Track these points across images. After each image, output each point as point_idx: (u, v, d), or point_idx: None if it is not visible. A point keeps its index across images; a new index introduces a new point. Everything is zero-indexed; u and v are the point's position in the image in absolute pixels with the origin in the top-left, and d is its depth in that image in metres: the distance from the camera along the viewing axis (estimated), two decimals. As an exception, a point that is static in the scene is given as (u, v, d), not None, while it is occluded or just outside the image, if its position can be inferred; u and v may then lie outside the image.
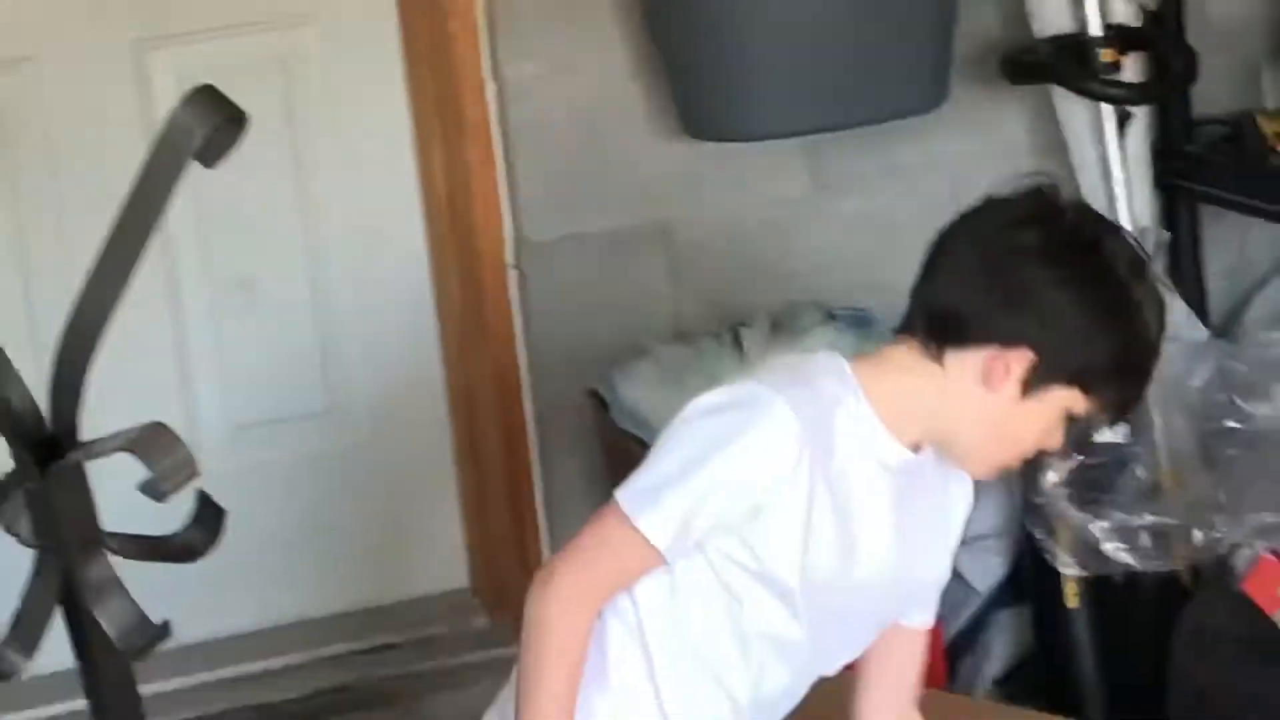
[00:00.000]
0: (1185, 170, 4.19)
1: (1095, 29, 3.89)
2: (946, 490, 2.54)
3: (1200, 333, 4.10)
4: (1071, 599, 3.86)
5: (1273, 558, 3.61)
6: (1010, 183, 2.76)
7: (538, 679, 2.42)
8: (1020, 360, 2.33)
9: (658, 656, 2.44)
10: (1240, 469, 3.76)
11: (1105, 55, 3.95)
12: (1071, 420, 2.43)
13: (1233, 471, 3.77)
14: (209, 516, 2.71)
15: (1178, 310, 3.98)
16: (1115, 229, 2.64)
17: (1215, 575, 3.74)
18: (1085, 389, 2.37)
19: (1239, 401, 3.82)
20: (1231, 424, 3.81)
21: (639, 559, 2.37)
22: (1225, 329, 4.26)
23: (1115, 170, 3.98)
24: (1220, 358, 3.93)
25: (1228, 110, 4.25)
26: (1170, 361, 3.67)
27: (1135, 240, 2.61)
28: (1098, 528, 3.77)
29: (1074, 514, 3.81)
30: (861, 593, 2.50)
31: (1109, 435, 3.77)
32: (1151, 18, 4.08)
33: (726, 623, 2.44)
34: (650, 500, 2.34)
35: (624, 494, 2.37)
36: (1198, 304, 4.20)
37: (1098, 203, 4.03)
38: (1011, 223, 2.40)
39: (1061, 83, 4.00)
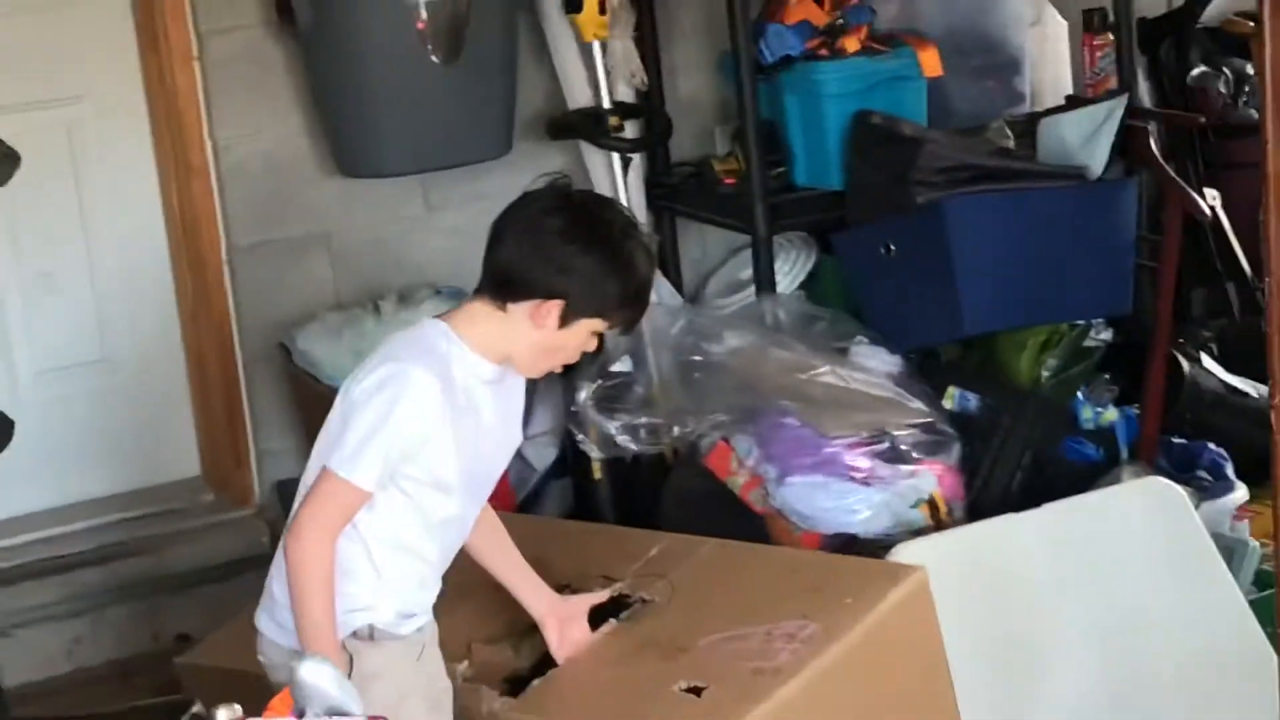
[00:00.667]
0: (666, 195, 4.77)
1: (606, 104, 4.48)
2: (515, 387, 2.97)
3: (677, 300, 4.72)
4: (597, 474, 4.38)
5: (724, 443, 4.10)
6: (535, 181, 3.61)
7: (308, 607, 2.78)
8: (555, 307, 2.77)
9: (373, 550, 2.82)
10: (702, 386, 4.22)
11: (613, 121, 4.50)
12: (599, 334, 2.85)
13: (697, 388, 4.23)
14: (4, 425, 3.35)
15: (663, 285, 4.59)
16: (610, 203, 3.10)
17: (688, 455, 4.20)
18: (602, 317, 2.81)
19: (701, 344, 4.29)
20: (697, 358, 4.28)
21: (355, 500, 2.77)
22: (693, 297, 4.84)
23: (621, 196, 4.51)
24: (690, 315, 4.46)
25: (692, 156, 4.81)
26: (658, 317, 4.29)
27: (626, 210, 3.07)
28: (613, 425, 4.28)
29: (598, 417, 4.30)
30: (490, 462, 2.96)
31: (620, 366, 4.32)
32: (643, 95, 4.62)
33: (416, 518, 2.83)
34: (353, 461, 2.73)
35: (334, 463, 2.75)
36: (675, 281, 4.80)
37: None
38: (539, 209, 2.84)
39: (586, 139, 4.57)
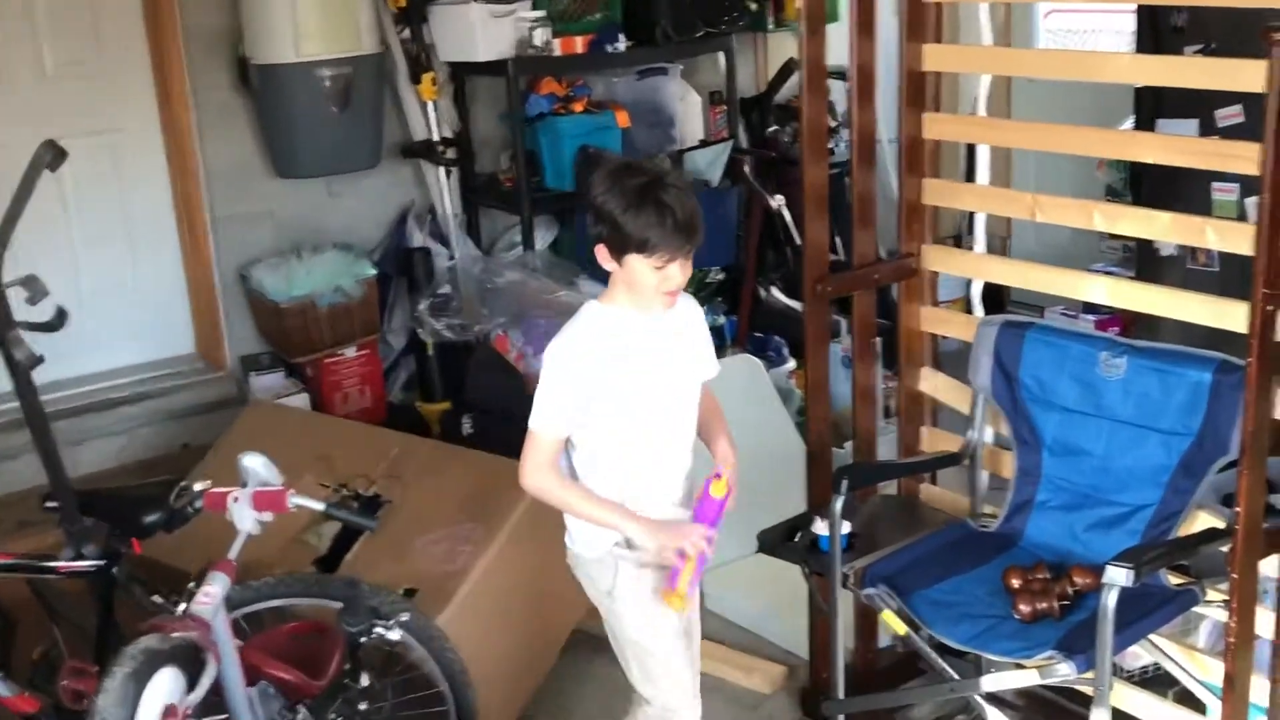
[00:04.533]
0: (472, 193, 4.82)
1: (436, 137, 4.63)
2: (681, 321, 2.42)
3: (478, 253, 4.75)
4: (430, 351, 4.46)
5: (503, 335, 4.20)
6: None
7: (574, 511, 2.40)
8: (602, 249, 2.28)
9: (604, 466, 2.38)
10: (491, 302, 4.35)
11: (440, 148, 4.63)
12: (660, 268, 2.23)
13: (489, 302, 4.37)
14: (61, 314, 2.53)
15: (468, 243, 4.71)
16: (642, 165, 2.30)
17: (483, 341, 4.27)
18: (640, 251, 2.23)
19: (491, 278, 4.43)
20: (489, 285, 4.41)
21: (554, 443, 2.33)
22: (488, 251, 4.87)
23: (445, 195, 4.71)
24: (485, 261, 4.61)
25: (487, 169, 4.91)
26: (466, 262, 4.55)
27: (660, 169, 2.29)
28: (439, 324, 4.44)
29: (429, 318, 4.47)
30: (672, 386, 2.39)
31: (444, 289, 4.49)
32: (458, 133, 4.73)
33: (616, 439, 2.37)
34: (537, 417, 2.32)
35: (531, 421, 2.33)
36: (477, 242, 4.80)
37: (440, 207, 4.70)
38: (594, 178, 2.29)
39: (424, 158, 4.69)
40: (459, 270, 4.50)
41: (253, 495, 2.42)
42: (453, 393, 4.40)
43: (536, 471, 2.34)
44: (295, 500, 2.41)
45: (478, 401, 4.23)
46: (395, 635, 2.60)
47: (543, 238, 4.77)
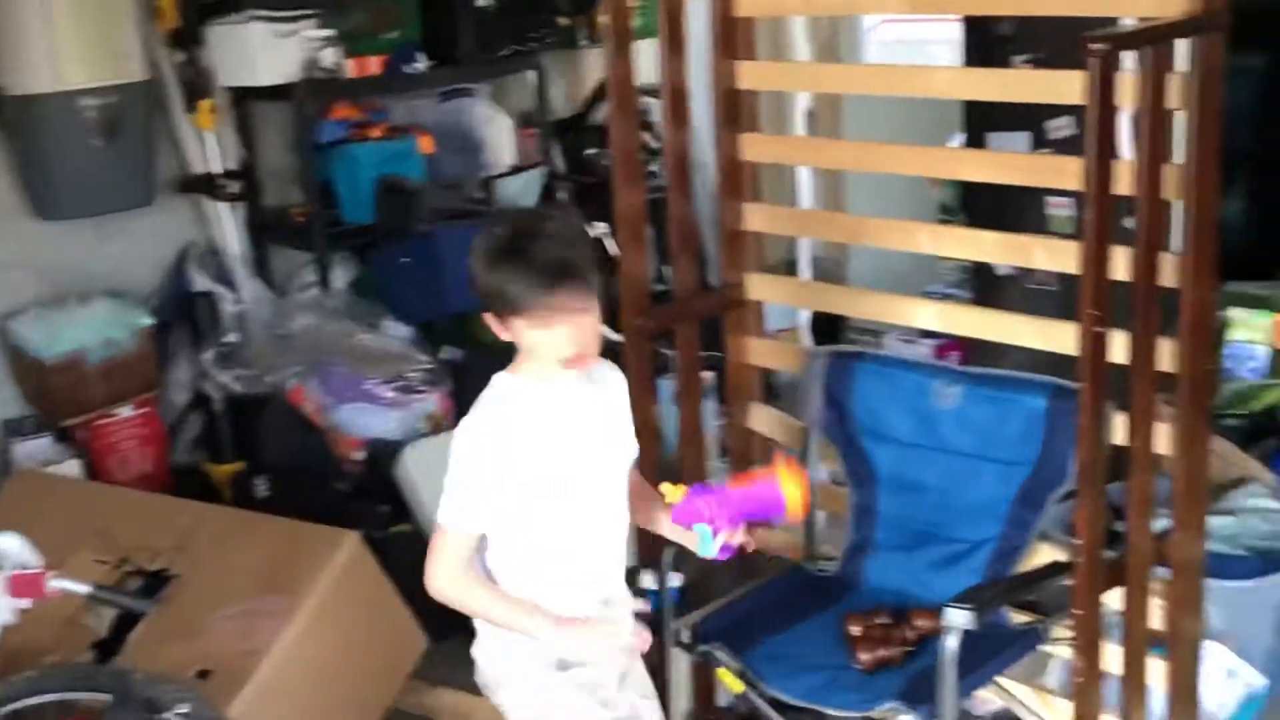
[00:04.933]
0: (260, 229, 4.69)
1: (218, 168, 4.55)
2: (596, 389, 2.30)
3: (269, 294, 4.61)
4: (218, 406, 4.37)
5: (299, 385, 4.14)
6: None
7: (487, 616, 2.30)
8: (490, 319, 2.19)
9: (522, 564, 2.28)
10: (284, 349, 4.28)
11: (221, 181, 4.54)
12: (545, 328, 2.11)
13: (282, 350, 4.27)
14: None
15: (258, 285, 4.60)
16: (518, 216, 2.37)
17: (276, 393, 4.21)
18: (518, 315, 2.13)
19: (285, 322, 4.41)
20: (281, 332, 4.40)
21: (466, 540, 2.25)
22: (282, 293, 4.69)
23: (229, 233, 4.63)
24: (276, 304, 4.55)
25: (277, 203, 4.76)
26: (255, 306, 4.53)
27: (534, 217, 2.31)
28: (227, 376, 4.36)
29: (215, 370, 4.38)
30: (598, 468, 2.29)
31: (231, 337, 4.42)
32: (243, 164, 4.63)
33: (537, 533, 2.26)
34: (446, 509, 2.23)
35: (439, 515, 2.24)
36: (268, 283, 4.61)
37: (225, 246, 4.63)
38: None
39: (205, 193, 4.60)
40: (248, 315, 4.46)
41: (8, 580, 2.34)
42: (245, 452, 4.38)
43: (447, 574, 2.26)
44: (56, 584, 2.38)
45: (273, 461, 4.23)
46: (178, 727, 2.53)
47: (341, 276, 4.71)
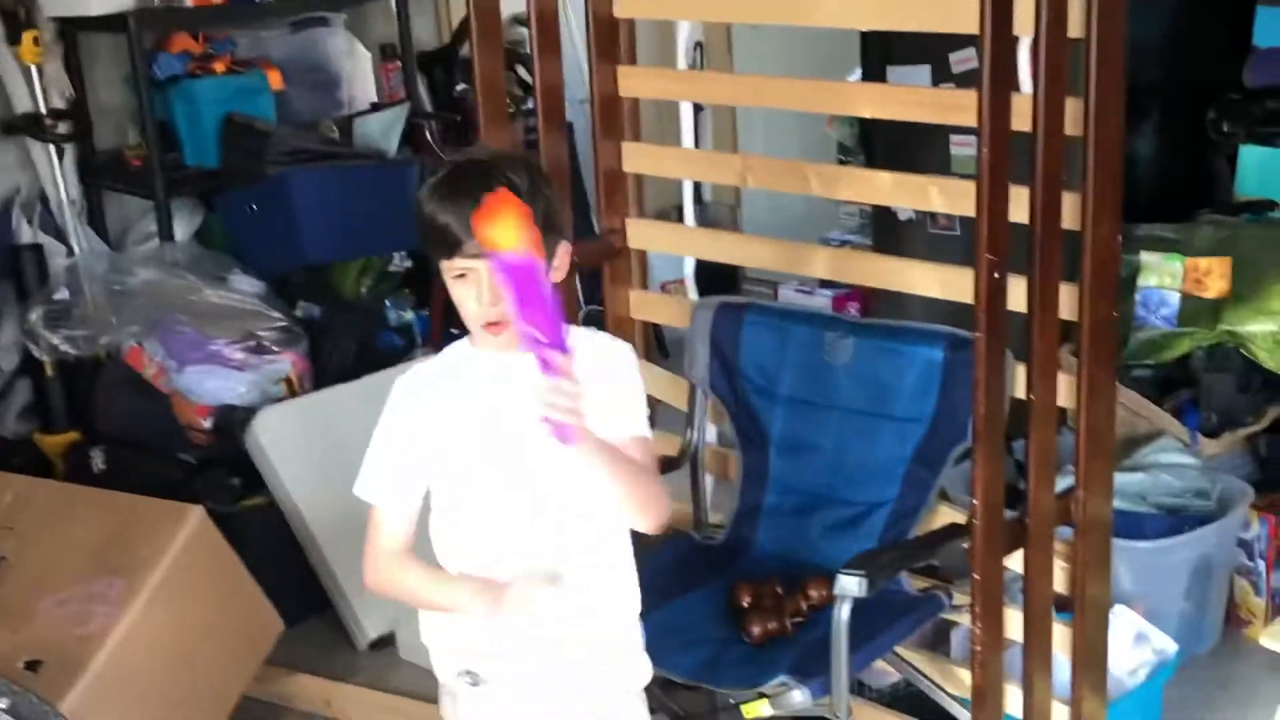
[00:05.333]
0: (94, 174, 4.64)
1: (43, 109, 4.48)
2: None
3: (104, 247, 4.56)
4: (49, 372, 4.28)
5: (137, 346, 4.11)
6: None
7: (417, 599, 2.18)
8: None
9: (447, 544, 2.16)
10: (121, 307, 4.20)
11: (48, 121, 4.48)
12: (460, 276, 2.00)
13: (118, 308, 4.19)
14: None
15: (93, 237, 4.60)
16: (466, 153, 2.09)
17: (113, 356, 4.21)
18: (435, 254, 2.04)
19: (122, 277, 4.29)
20: (117, 287, 4.24)
21: (387, 518, 2.13)
22: (117, 245, 4.70)
23: (57, 178, 4.54)
24: (112, 258, 4.48)
25: (111, 145, 4.71)
26: (87, 260, 4.42)
27: (480, 153, 2.10)
28: (57, 337, 4.22)
29: (45, 331, 4.23)
30: (524, 451, 2.10)
31: (60, 295, 4.30)
32: (71, 103, 4.56)
33: (454, 512, 2.15)
34: (359, 481, 2.14)
35: (355, 486, 2.14)
36: (102, 235, 4.64)
37: (54, 193, 4.55)
38: None
39: (29, 135, 4.54)
40: (80, 270, 4.38)
41: None
42: (80, 421, 4.33)
43: (370, 558, 2.14)
44: None
45: (110, 431, 4.18)
46: (0, 722, 2.44)
47: (184, 226, 4.67)
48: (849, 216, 5.22)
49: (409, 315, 4.77)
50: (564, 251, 2.08)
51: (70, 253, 4.53)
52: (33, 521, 3.18)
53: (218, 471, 3.94)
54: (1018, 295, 2.54)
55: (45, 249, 4.51)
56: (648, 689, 2.41)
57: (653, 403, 3.28)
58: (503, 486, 2.10)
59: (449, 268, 2.01)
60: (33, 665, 2.82)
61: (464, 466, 2.09)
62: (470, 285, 2.01)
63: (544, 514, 2.11)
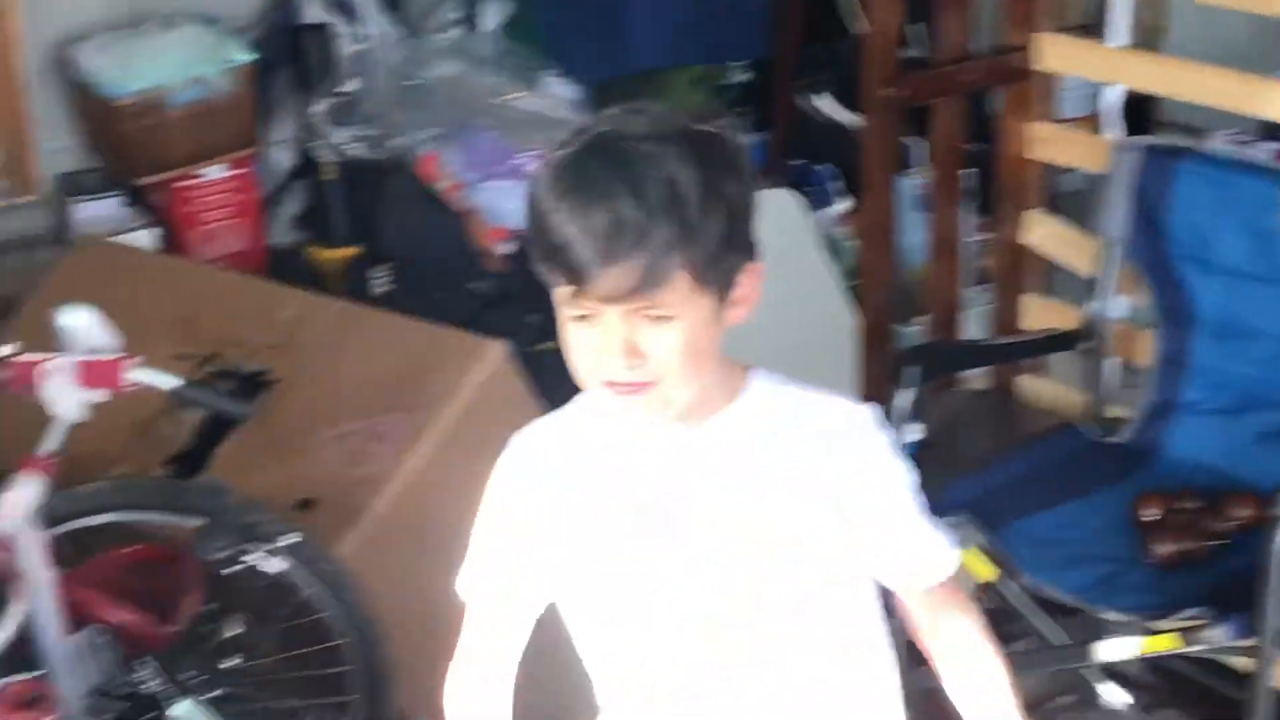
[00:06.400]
0: None
1: None
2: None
3: (401, 32, 4.58)
4: (330, 174, 4.44)
5: (432, 154, 4.30)
6: None
7: None
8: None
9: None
10: (416, 105, 4.38)
11: None
12: (584, 318, 1.63)
13: (412, 106, 4.40)
14: None
15: (384, 19, 4.55)
16: (599, 118, 1.70)
17: (402, 162, 4.32)
18: (552, 281, 1.65)
19: (417, 70, 4.46)
20: (413, 82, 4.44)
21: (479, 614, 1.86)
22: (413, 32, 4.63)
23: None
24: (408, 46, 4.52)
25: None
26: (380, 46, 4.47)
27: (618, 122, 1.64)
28: (342, 135, 4.42)
29: (329, 127, 4.45)
30: (694, 577, 1.77)
31: (349, 86, 4.45)
32: None
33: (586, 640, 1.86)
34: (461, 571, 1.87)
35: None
36: (400, 15, 4.62)
37: None
38: None
39: None
40: (371, 58, 4.45)
41: (76, 366, 2.43)
42: (361, 235, 4.42)
43: (453, 664, 1.87)
44: (136, 374, 2.44)
45: (396, 248, 4.30)
46: (276, 566, 2.60)
47: (493, 14, 4.70)
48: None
49: (745, 139, 4.69)
50: (751, 279, 1.72)
51: (361, 36, 4.58)
52: (310, 343, 3.28)
53: (515, 305, 4.03)
54: None
55: (332, 30, 4.57)
56: (1009, 610, 2.36)
57: (1047, 264, 3.27)
58: (651, 620, 1.79)
59: (567, 301, 1.65)
60: (305, 504, 2.90)
61: (571, 565, 1.82)
62: (594, 332, 1.64)
63: (711, 666, 1.78)
